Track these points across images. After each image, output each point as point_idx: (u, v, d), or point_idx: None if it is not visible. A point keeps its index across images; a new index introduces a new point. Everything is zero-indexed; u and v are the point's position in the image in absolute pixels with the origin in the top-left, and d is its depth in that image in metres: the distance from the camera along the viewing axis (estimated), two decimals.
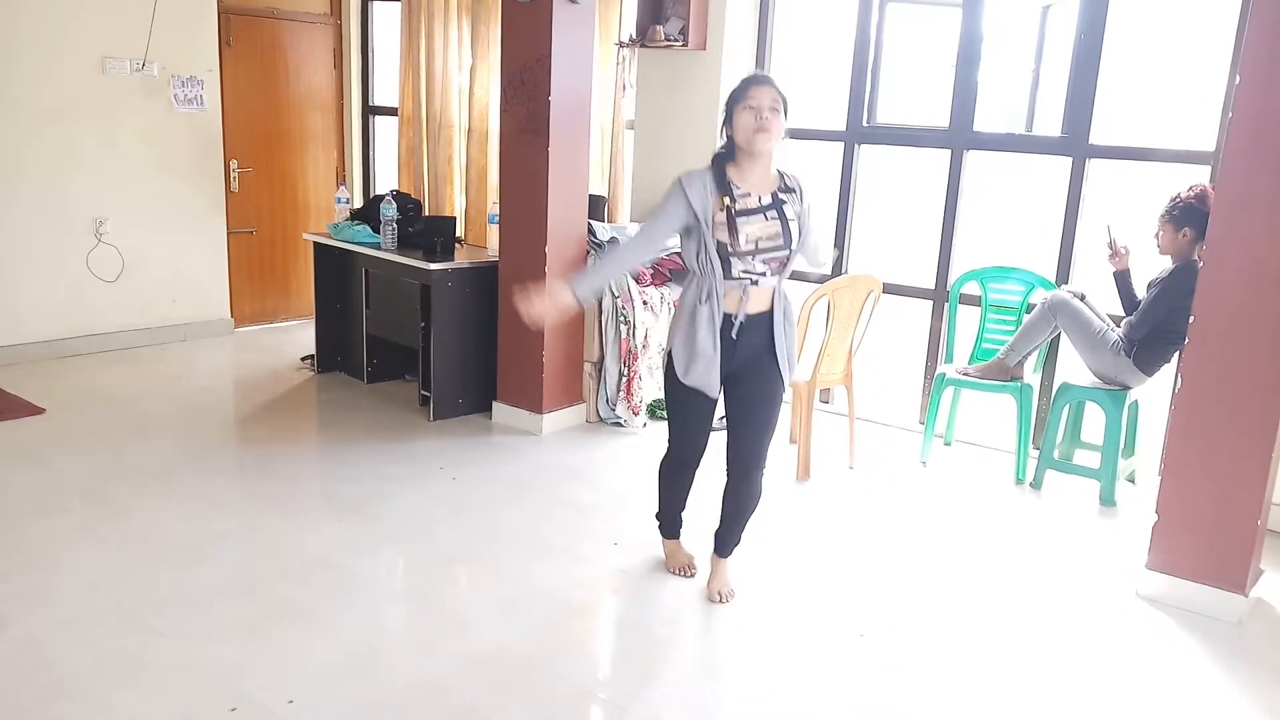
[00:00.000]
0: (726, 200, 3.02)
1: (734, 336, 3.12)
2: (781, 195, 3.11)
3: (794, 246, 3.10)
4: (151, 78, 6.06)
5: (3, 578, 3.30)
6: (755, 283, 3.09)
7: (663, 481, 3.53)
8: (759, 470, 3.28)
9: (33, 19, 5.57)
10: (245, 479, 4.37)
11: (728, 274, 3.06)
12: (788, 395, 4.89)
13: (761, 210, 3.06)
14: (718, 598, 3.36)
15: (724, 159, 3.10)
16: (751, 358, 3.17)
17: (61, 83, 5.73)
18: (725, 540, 3.40)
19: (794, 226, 3.10)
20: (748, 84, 3.06)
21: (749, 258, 3.05)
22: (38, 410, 4.95)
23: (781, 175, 3.16)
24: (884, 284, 4.67)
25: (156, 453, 4.50)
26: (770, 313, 3.15)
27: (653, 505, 3.61)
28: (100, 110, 5.91)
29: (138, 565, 3.44)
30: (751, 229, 3.04)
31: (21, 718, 2.59)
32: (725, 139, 3.12)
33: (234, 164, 6.61)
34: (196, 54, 6.27)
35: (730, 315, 3.10)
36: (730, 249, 3.02)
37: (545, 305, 3.13)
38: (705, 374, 3.12)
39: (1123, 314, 4.42)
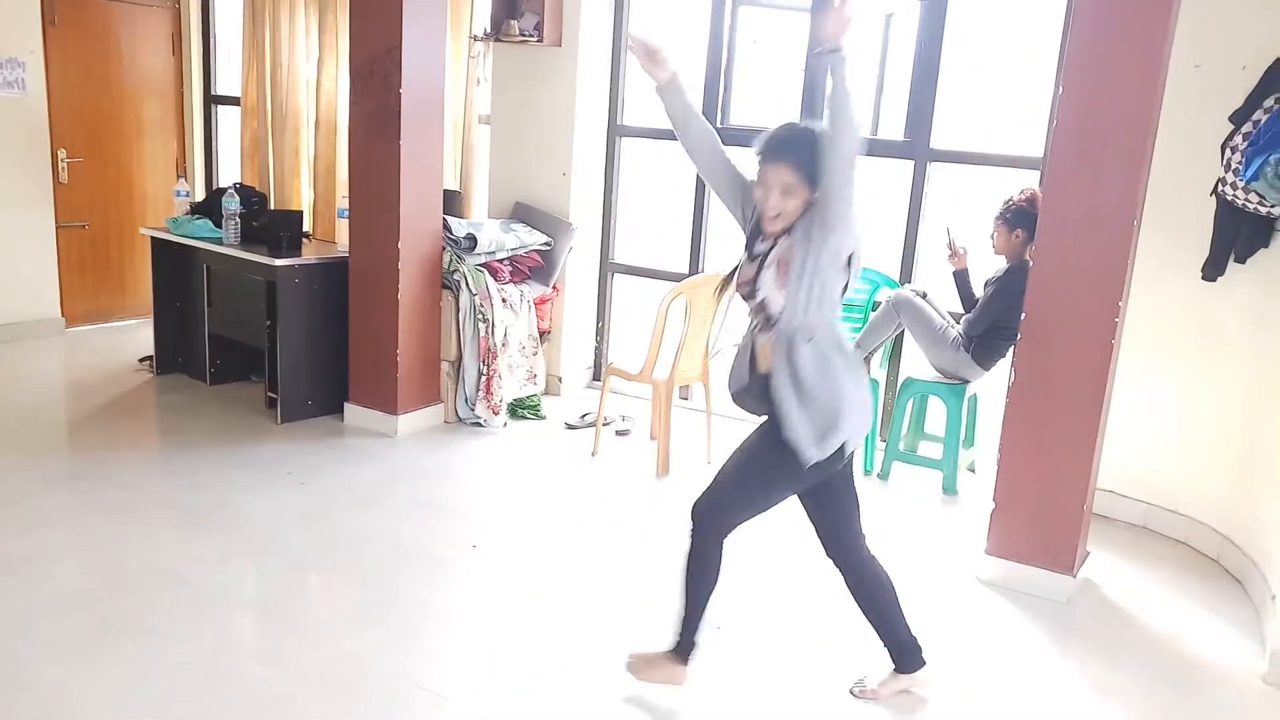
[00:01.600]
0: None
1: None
2: (782, 240, 2.61)
3: (762, 297, 2.60)
4: None
5: None
6: (760, 331, 2.70)
7: (709, 571, 2.78)
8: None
9: None
10: (79, 488, 4.13)
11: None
12: (638, 395, 4.91)
13: (764, 250, 2.64)
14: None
15: None
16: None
17: None
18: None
19: (769, 274, 2.59)
20: (762, 157, 2.57)
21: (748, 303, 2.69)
22: None
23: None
24: None
25: None
26: (769, 375, 2.65)
27: (517, 518, 3.53)
28: None
29: None
30: (744, 269, 2.69)
31: None
32: None
33: (62, 153, 6.22)
34: (16, 34, 5.87)
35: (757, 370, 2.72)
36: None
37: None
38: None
39: (962, 311, 4.63)
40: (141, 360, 5.79)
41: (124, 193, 6.62)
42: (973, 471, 4.88)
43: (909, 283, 4.95)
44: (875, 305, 4.87)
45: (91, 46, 6.34)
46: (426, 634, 3.14)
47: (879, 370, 4.89)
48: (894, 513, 4.39)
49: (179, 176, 6.52)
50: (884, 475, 4.72)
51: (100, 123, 6.44)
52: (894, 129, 4.97)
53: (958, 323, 4.58)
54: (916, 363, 4.77)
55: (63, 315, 6.37)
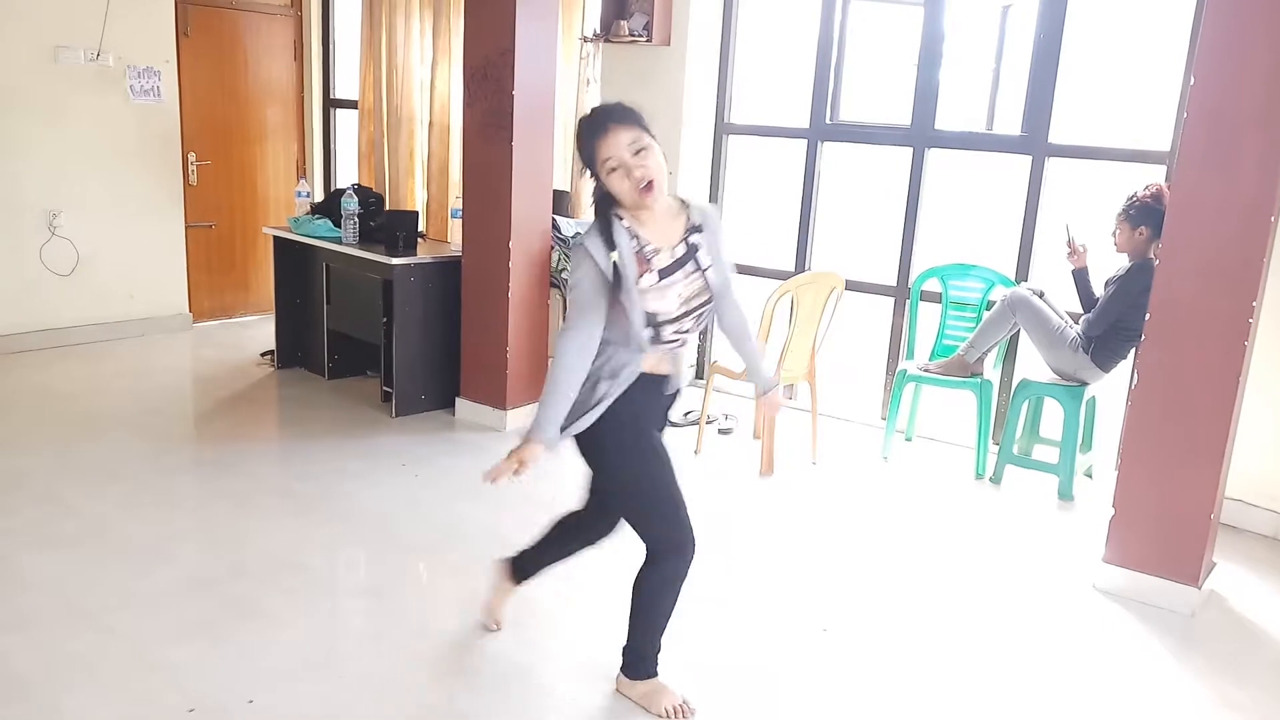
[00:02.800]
0: (646, 259, 2.51)
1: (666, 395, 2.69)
2: (693, 239, 2.57)
3: (715, 294, 2.61)
4: (107, 67, 5.96)
5: None
6: (685, 344, 2.67)
7: (667, 592, 2.72)
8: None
9: None
10: (203, 476, 4.31)
11: (658, 340, 2.56)
12: (741, 393, 4.91)
13: (680, 264, 2.54)
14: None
15: (610, 203, 2.52)
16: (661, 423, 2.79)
17: (11, 71, 5.61)
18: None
19: (712, 275, 2.58)
20: (591, 138, 2.46)
21: (682, 319, 2.57)
22: None
23: (685, 207, 2.61)
24: (846, 281, 4.70)
25: (110, 450, 4.42)
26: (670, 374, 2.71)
27: None
28: (53, 100, 5.79)
29: (90, 565, 3.38)
30: (683, 289, 2.54)
31: None
32: (598, 186, 2.53)
33: (192, 156, 6.51)
34: (153, 44, 6.17)
35: (665, 376, 2.66)
36: (662, 317, 2.53)
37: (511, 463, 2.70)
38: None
39: (1081, 311, 4.48)
40: (263, 355, 6.02)
41: (248, 194, 6.89)
42: (1090, 477, 4.71)
43: (1025, 281, 4.81)
44: (990, 304, 4.75)
45: (220, 55, 6.62)
46: (531, 625, 3.18)
47: (993, 371, 4.76)
48: (1007, 518, 4.26)
49: (299, 178, 6.76)
50: (996, 479, 4.60)
51: (227, 127, 6.72)
52: (1011, 123, 4.83)
53: (1076, 323, 4.43)
54: (1032, 364, 4.63)
55: (190, 311, 6.67)
